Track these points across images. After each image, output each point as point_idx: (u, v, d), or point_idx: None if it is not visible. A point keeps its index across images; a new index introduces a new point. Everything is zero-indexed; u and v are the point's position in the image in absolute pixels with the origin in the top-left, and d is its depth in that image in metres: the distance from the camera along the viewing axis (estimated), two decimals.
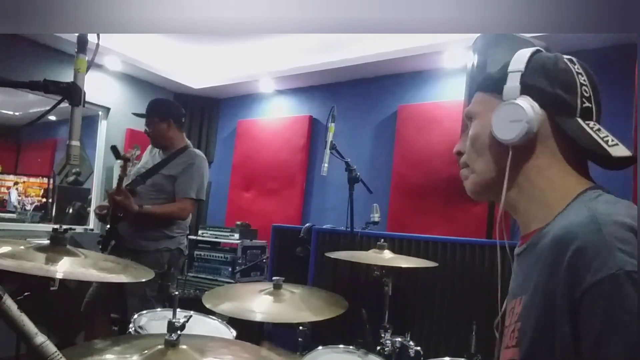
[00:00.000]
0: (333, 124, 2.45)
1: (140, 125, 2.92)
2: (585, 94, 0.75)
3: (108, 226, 2.45)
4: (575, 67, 0.76)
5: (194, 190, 2.58)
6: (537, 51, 0.79)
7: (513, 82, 0.77)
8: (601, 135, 0.73)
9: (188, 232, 2.76)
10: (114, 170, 4.07)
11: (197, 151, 2.73)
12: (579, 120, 0.74)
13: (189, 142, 2.78)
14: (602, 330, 0.57)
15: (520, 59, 0.78)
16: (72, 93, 1.01)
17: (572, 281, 0.60)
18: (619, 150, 0.71)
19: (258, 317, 1.49)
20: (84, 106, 1.05)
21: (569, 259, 0.61)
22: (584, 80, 0.75)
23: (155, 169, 2.61)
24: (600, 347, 0.57)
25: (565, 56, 0.78)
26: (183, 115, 2.77)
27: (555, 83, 0.75)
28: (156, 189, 2.58)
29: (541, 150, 0.76)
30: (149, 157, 2.78)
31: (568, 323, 0.61)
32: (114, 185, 2.71)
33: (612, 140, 0.72)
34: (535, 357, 0.66)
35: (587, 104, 0.75)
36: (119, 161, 2.35)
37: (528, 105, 0.74)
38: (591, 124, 0.74)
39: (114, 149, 2.39)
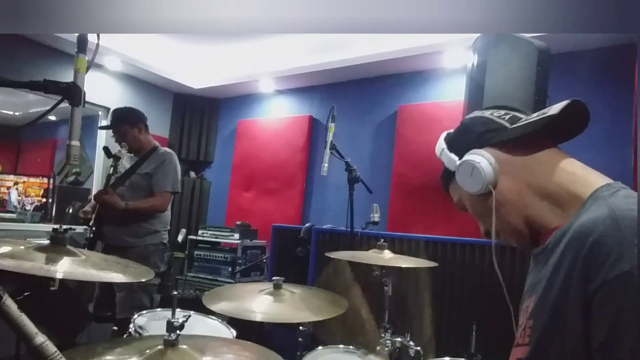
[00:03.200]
0: (333, 124, 2.45)
1: None
2: (505, 115, 0.82)
3: (94, 228, 2.58)
4: (489, 112, 0.85)
5: (170, 184, 2.79)
6: (448, 134, 0.93)
7: (445, 158, 0.89)
8: (534, 115, 0.76)
9: (169, 227, 2.95)
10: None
11: (167, 149, 2.95)
12: (512, 126, 0.79)
13: (157, 143, 3.00)
14: (613, 330, 0.56)
15: (439, 143, 0.94)
16: (72, 93, 1.02)
17: (586, 276, 0.59)
18: (556, 108, 0.72)
19: (258, 317, 1.48)
20: (84, 106, 1.05)
21: (585, 254, 0.60)
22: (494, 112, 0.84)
23: (132, 170, 2.82)
24: (610, 346, 0.56)
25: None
26: (147, 119, 2.99)
27: (469, 129, 0.86)
28: (134, 188, 2.77)
29: (529, 168, 0.78)
30: (121, 162, 2.91)
31: (580, 319, 0.60)
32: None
33: (549, 109, 0.74)
34: (544, 353, 0.65)
35: (511, 114, 0.82)
36: (111, 160, 2.57)
37: (473, 157, 0.81)
38: (520, 116, 0.81)
39: (105, 149, 2.61)
